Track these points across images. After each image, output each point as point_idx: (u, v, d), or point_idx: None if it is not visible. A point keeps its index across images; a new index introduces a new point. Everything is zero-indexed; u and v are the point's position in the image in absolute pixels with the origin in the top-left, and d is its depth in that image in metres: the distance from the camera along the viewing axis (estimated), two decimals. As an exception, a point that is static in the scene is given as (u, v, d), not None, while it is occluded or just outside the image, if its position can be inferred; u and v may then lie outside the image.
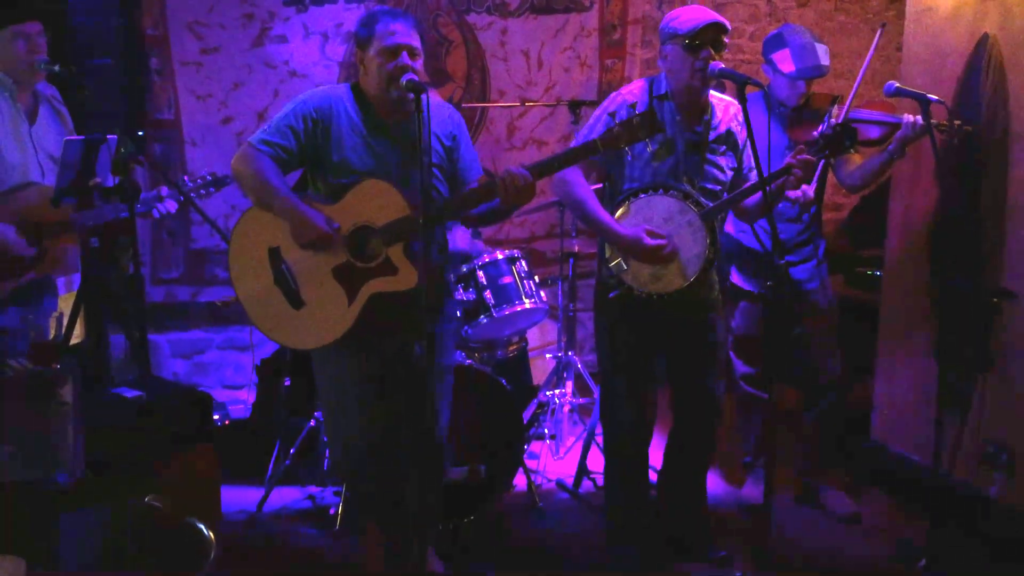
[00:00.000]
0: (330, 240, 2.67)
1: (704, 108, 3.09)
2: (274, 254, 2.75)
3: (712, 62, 2.92)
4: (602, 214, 3.02)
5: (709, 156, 3.09)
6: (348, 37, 4.92)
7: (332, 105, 2.74)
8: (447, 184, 2.83)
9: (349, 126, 2.73)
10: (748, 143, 3.10)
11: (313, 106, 2.73)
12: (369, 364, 2.80)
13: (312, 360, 2.88)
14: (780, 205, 3.61)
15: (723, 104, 3.14)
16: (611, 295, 3.07)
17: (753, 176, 3.15)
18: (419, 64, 2.70)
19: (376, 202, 2.67)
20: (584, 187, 3.07)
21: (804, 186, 3.44)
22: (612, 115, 2.97)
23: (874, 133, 3.52)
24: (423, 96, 2.52)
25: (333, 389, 2.86)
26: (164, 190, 3.42)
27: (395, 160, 2.74)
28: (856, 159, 3.68)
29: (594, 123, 3.05)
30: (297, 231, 2.69)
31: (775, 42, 3.60)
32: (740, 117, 3.12)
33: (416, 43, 2.70)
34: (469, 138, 2.92)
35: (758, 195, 3.02)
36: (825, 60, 3.56)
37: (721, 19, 2.95)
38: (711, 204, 3.03)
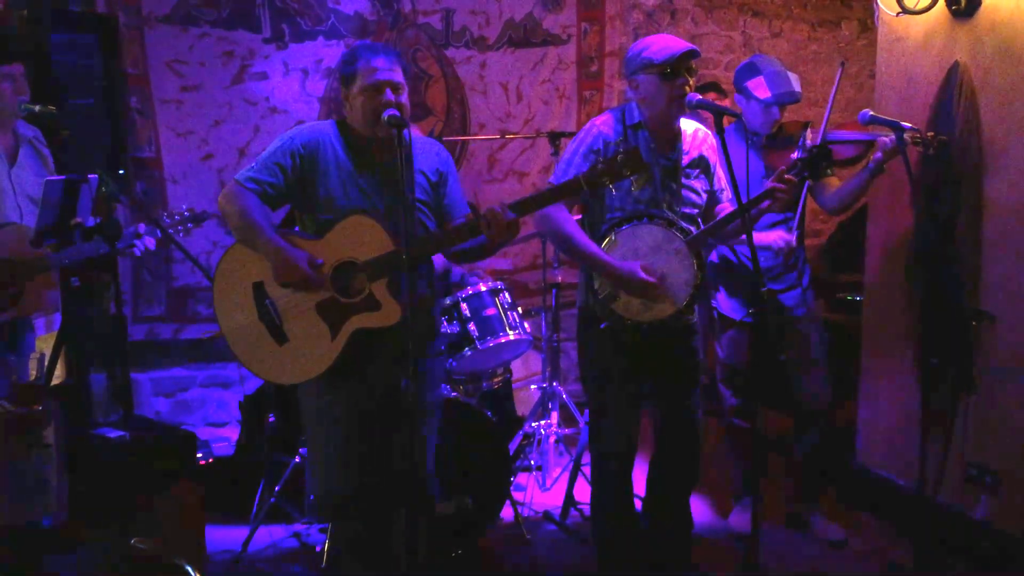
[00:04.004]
0: (311, 280, 2.66)
1: (676, 135, 3.13)
2: (258, 289, 2.74)
3: (690, 93, 2.96)
4: (593, 248, 3.03)
5: (684, 181, 3.13)
6: (328, 73, 4.95)
7: (319, 141, 2.74)
8: (433, 219, 2.83)
9: (335, 162, 2.73)
10: (719, 165, 3.17)
11: (300, 142, 2.73)
12: (352, 400, 2.78)
13: (298, 396, 2.86)
14: (766, 241, 3.65)
15: (691, 128, 3.18)
16: (602, 326, 3.08)
17: (724, 196, 3.20)
18: (404, 97, 2.71)
19: (360, 238, 2.67)
20: (570, 222, 3.08)
21: (786, 235, 3.52)
22: (596, 152, 2.99)
23: (850, 152, 3.58)
24: (404, 132, 2.55)
25: (316, 426, 2.83)
26: (142, 227, 3.41)
27: (381, 196, 2.74)
28: (834, 182, 3.72)
29: (571, 156, 3.06)
30: (279, 271, 2.67)
31: (748, 71, 3.66)
32: (710, 141, 3.17)
33: (399, 77, 2.71)
34: (456, 174, 2.92)
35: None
36: (798, 87, 3.63)
37: (693, 46, 3.00)
38: (694, 230, 3.06)
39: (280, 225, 2.87)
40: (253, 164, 2.74)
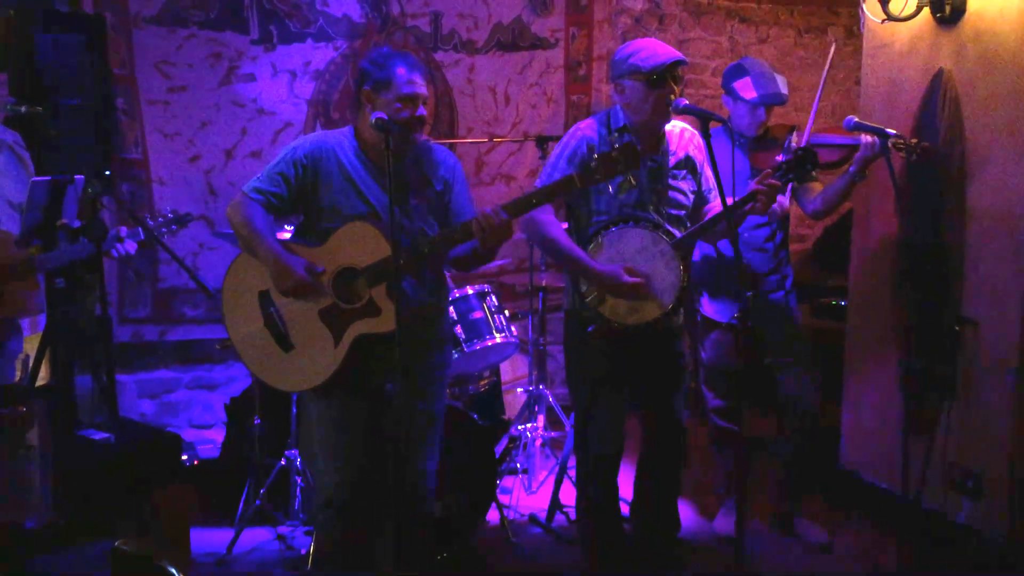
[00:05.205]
0: (308, 286, 2.67)
1: (660, 136, 3.13)
2: (264, 297, 2.77)
3: (676, 98, 2.97)
4: (577, 251, 3.03)
5: (671, 182, 3.13)
6: (316, 75, 4.95)
7: (323, 150, 2.77)
8: (439, 227, 2.84)
9: (339, 171, 2.76)
10: (706, 165, 3.16)
11: (304, 152, 2.77)
12: (355, 407, 2.79)
13: (303, 402, 2.86)
14: (747, 235, 3.67)
15: (677, 129, 3.18)
16: (589, 329, 3.08)
17: (713, 196, 3.21)
18: (425, 110, 2.78)
19: (359, 244, 2.69)
20: (555, 225, 3.09)
21: (779, 196, 3.49)
22: (592, 148, 2.99)
23: (833, 156, 3.61)
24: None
25: (319, 432, 2.85)
26: (123, 230, 3.40)
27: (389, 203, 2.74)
28: (817, 187, 3.74)
29: (556, 160, 3.07)
30: (276, 278, 2.70)
31: (736, 72, 3.69)
32: (696, 140, 3.17)
33: (427, 92, 2.77)
34: (465, 183, 2.94)
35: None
36: (784, 89, 3.65)
37: (681, 55, 3.01)
38: (679, 232, 3.07)
39: (296, 234, 2.90)
40: (259, 175, 2.78)
